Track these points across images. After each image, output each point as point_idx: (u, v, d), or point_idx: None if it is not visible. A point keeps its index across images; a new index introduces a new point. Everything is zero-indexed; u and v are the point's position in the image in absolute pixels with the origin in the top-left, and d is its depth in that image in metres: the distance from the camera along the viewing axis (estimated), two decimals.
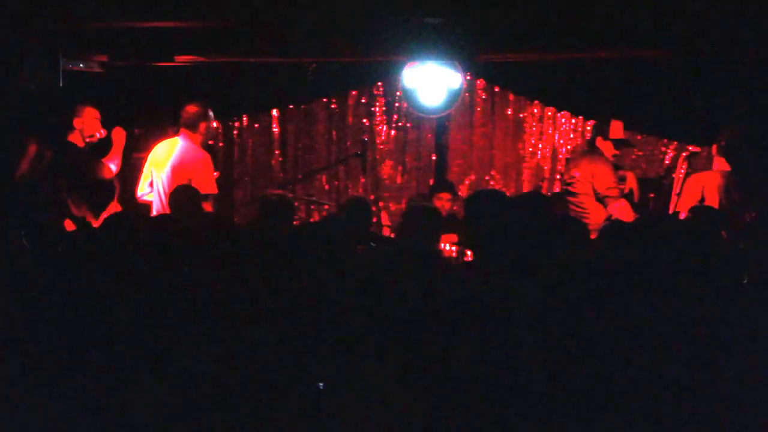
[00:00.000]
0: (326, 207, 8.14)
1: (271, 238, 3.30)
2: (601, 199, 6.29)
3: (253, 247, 3.23)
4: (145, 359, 2.85)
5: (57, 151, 6.09)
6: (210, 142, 6.53)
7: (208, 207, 5.68)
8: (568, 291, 3.09)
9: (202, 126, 5.95)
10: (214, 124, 5.99)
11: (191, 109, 5.94)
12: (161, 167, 5.89)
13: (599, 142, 6.50)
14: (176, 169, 5.82)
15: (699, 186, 5.81)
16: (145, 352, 2.87)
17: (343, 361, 2.67)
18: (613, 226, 4.39)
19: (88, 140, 6.17)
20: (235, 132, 8.56)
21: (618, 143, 6.54)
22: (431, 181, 8.41)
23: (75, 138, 6.14)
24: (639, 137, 7.90)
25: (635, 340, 2.84)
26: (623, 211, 6.21)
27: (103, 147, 6.29)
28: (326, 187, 8.55)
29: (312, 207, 8.39)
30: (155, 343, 2.86)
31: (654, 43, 6.63)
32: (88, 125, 6.14)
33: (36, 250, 3.60)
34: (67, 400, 2.79)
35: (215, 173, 6.04)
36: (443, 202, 7.24)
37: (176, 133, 6.01)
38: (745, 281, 3.33)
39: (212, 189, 5.83)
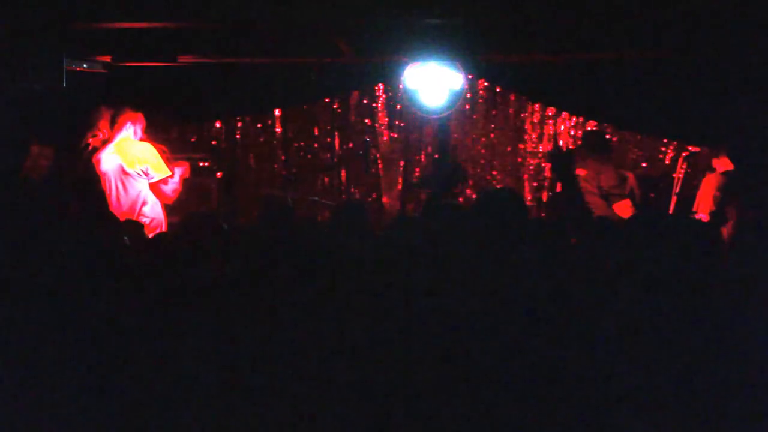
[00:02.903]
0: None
1: None
2: (605, 198, 6.35)
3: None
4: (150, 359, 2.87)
5: (78, 152, 6.20)
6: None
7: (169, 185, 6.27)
8: (570, 290, 3.12)
9: (124, 124, 6.23)
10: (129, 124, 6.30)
11: (121, 115, 6.25)
12: (115, 170, 6.17)
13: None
14: (130, 164, 6.15)
15: (709, 186, 5.84)
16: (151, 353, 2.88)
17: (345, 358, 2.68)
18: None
19: (92, 140, 6.24)
20: (237, 132, 8.59)
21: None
22: (414, 178, 8.44)
23: (95, 140, 6.29)
24: (639, 137, 7.92)
25: (635, 339, 2.86)
26: (626, 211, 6.27)
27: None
28: (328, 186, 8.58)
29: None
30: (162, 342, 2.88)
31: (654, 44, 6.65)
32: (108, 127, 6.28)
33: (45, 250, 3.61)
34: (71, 402, 2.81)
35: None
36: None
37: (109, 141, 6.22)
38: (743, 280, 3.35)
39: (165, 171, 6.25)
